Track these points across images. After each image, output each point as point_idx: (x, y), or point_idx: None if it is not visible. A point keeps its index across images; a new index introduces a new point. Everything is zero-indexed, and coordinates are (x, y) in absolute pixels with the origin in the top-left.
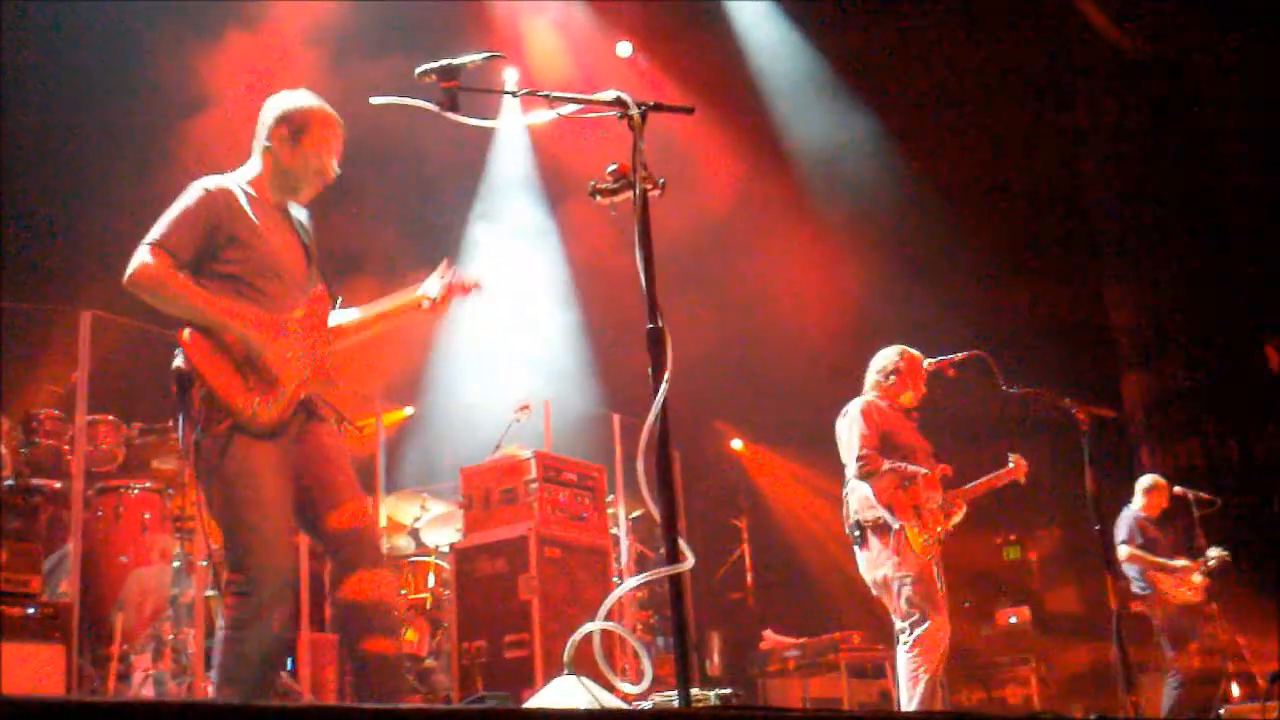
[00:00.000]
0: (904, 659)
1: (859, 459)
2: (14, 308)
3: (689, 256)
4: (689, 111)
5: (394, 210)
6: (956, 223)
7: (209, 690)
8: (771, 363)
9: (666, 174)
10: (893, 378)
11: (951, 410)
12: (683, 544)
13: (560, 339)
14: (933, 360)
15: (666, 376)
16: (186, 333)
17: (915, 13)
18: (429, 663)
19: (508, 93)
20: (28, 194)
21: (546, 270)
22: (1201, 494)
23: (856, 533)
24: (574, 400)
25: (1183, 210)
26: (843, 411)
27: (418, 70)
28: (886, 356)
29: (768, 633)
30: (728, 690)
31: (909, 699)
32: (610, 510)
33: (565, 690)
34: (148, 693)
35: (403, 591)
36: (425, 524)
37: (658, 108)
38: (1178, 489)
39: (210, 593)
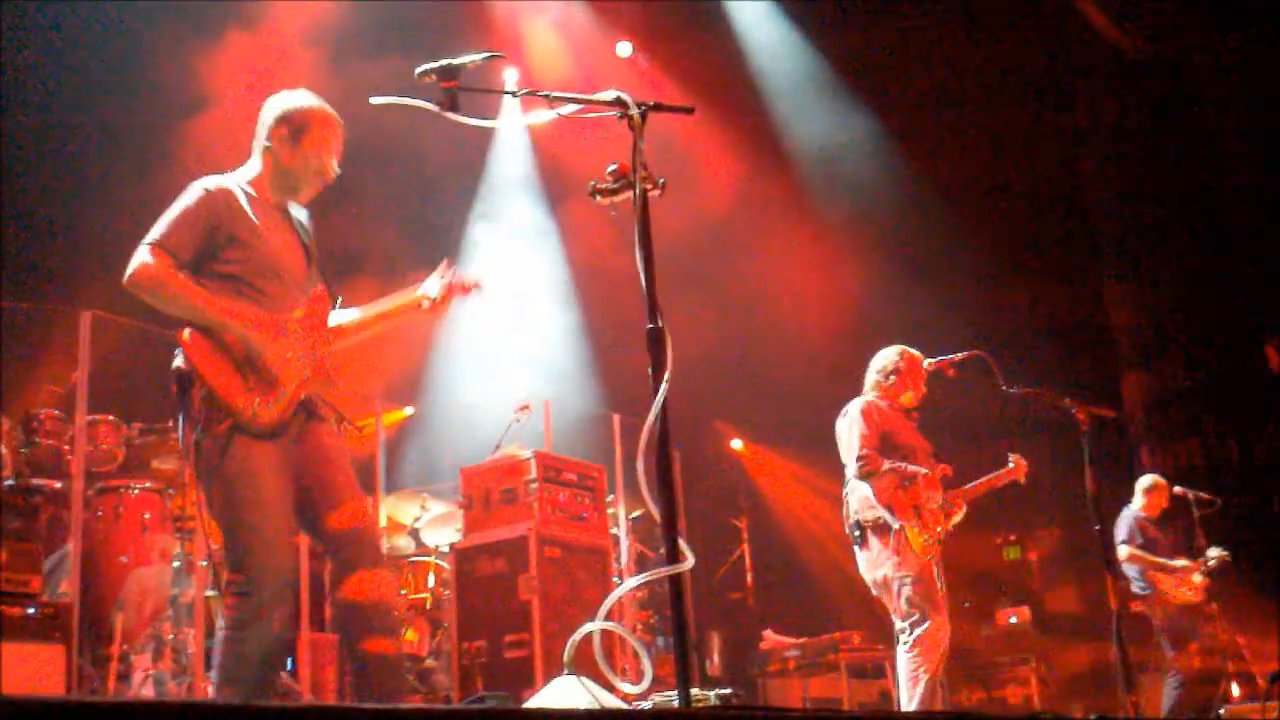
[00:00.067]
0: (904, 659)
1: (859, 459)
2: (14, 308)
3: (689, 256)
4: (689, 111)
5: (394, 210)
6: (956, 223)
7: (209, 690)
8: (771, 363)
9: (666, 174)
10: (893, 378)
11: (951, 410)
12: (683, 544)
13: (560, 339)
14: (933, 360)
15: (666, 376)
16: (186, 333)
17: (915, 13)
18: (429, 663)
19: (508, 93)
20: (28, 194)
21: (546, 270)
22: (1201, 494)
23: (856, 533)
24: (574, 400)
25: (1183, 210)
26: (843, 411)
27: (418, 70)
28: (886, 356)
29: (768, 633)
30: (728, 690)
31: (909, 699)
32: (610, 510)
33: (565, 690)
34: (148, 693)
35: (403, 591)
36: (425, 524)
37: (658, 108)
38: (1178, 489)
39: (210, 593)
